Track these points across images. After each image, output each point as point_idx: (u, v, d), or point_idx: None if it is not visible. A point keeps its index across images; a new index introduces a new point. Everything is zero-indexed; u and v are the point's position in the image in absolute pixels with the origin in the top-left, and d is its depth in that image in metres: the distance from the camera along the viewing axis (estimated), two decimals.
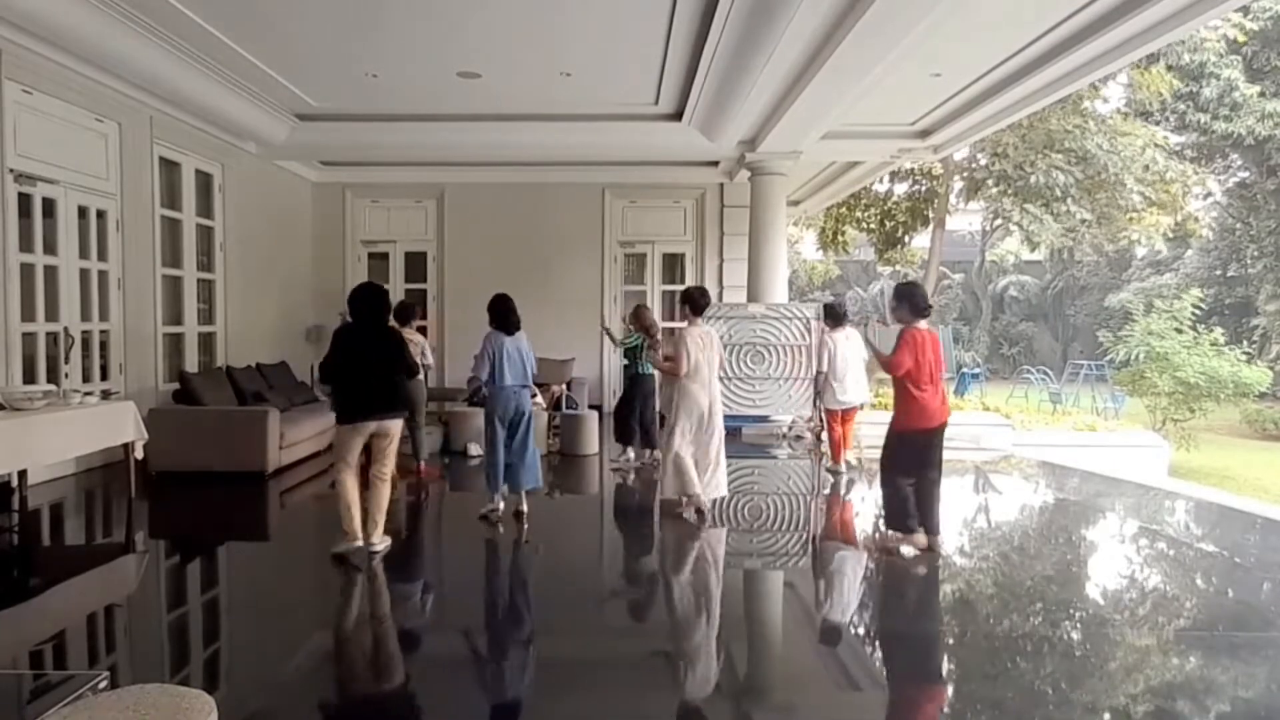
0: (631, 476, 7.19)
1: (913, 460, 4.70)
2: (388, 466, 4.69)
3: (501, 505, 5.48)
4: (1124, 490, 7.14)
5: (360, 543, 4.54)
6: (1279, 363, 18.06)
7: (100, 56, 6.54)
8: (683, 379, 5.41)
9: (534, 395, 8.72)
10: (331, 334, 4.64)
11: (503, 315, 5.40)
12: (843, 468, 7.12)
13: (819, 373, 6.99)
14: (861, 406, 7.27)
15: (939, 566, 4.65)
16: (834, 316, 7.13)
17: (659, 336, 7.17)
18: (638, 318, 7.29)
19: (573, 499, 6.92)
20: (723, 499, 5.76)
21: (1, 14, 5.65)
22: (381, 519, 4.67)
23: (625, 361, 7.64)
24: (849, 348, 6.96)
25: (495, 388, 5.33)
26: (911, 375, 4.57)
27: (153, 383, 7.82)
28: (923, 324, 4.71)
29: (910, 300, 4.72)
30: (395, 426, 4.67)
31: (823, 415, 8.91)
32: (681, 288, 11.64)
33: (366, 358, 4.53)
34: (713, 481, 5.54)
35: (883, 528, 5.00)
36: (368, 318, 4.60)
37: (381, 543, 4.67)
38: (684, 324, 5.63)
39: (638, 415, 7.37)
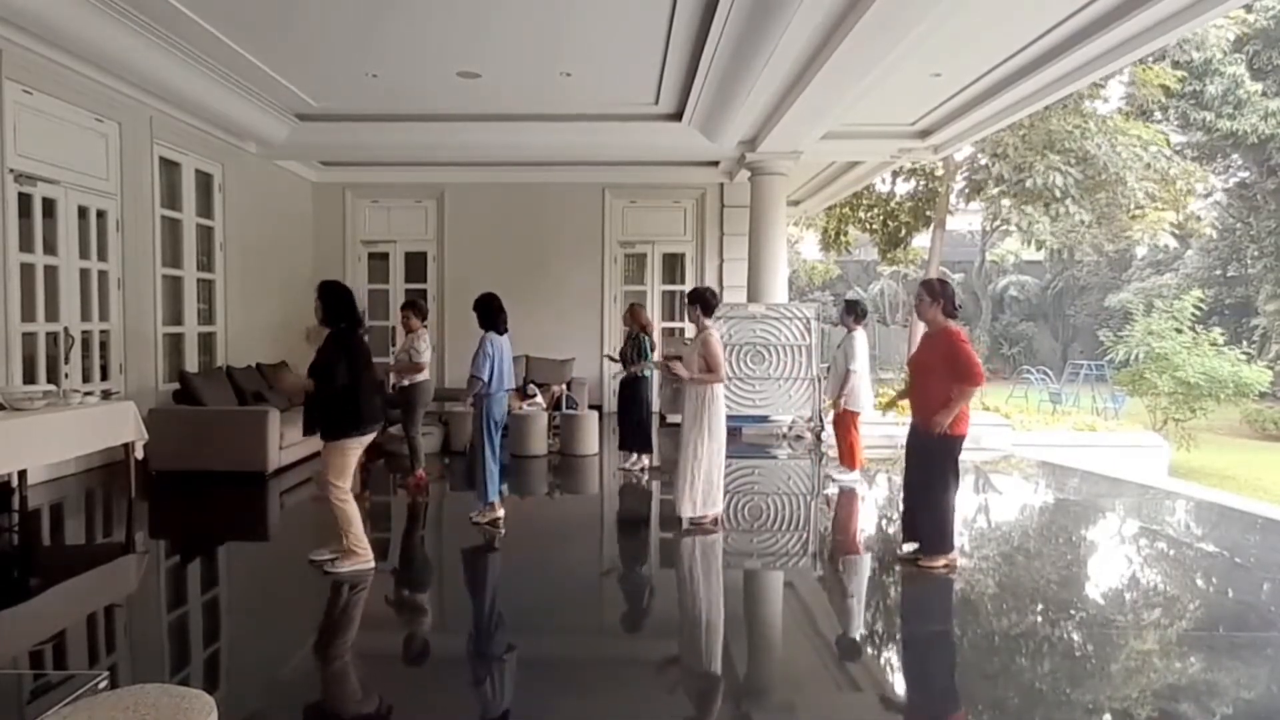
0: (646, 479, 7.10)
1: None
2: None
3: (502, 511, 5.43)
4: (1124, 490, 7.14)
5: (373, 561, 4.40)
6: (1279, 362, 18.06)
7: (100, 56, 6.54)
8: (714, 385, 5.22)
9: (533, 395, 8.77)
10: (330, 338, 4.27)
11: (495, 315, 5.31)
12: (859, 476, 6.82)
13: (849, 371, 6.58)
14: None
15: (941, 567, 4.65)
16: (856, 315, 6.83)
17: (654, 336, 7.13)
18: (634, 316, 7.25)
19: (574, 499, 6.92)
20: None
21: (1, 14, 5.65)
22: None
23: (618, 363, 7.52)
24: (866, 348, 6.80)
25: (493, 391, 5.26)
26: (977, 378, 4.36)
27: (153, 383, 7.82)
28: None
29: (948, 297, 4.45)
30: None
31: (821, 418, 8.88)
32: (682, 288, 11.80)
33: (365, 362, 4.35)
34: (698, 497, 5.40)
35: (926, 549, 4.56)
36: (355, 319, 4.37)
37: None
38: (693, 325, 5.50)
39: (642, 418, 7.31)
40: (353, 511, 4.33)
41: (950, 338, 4.37)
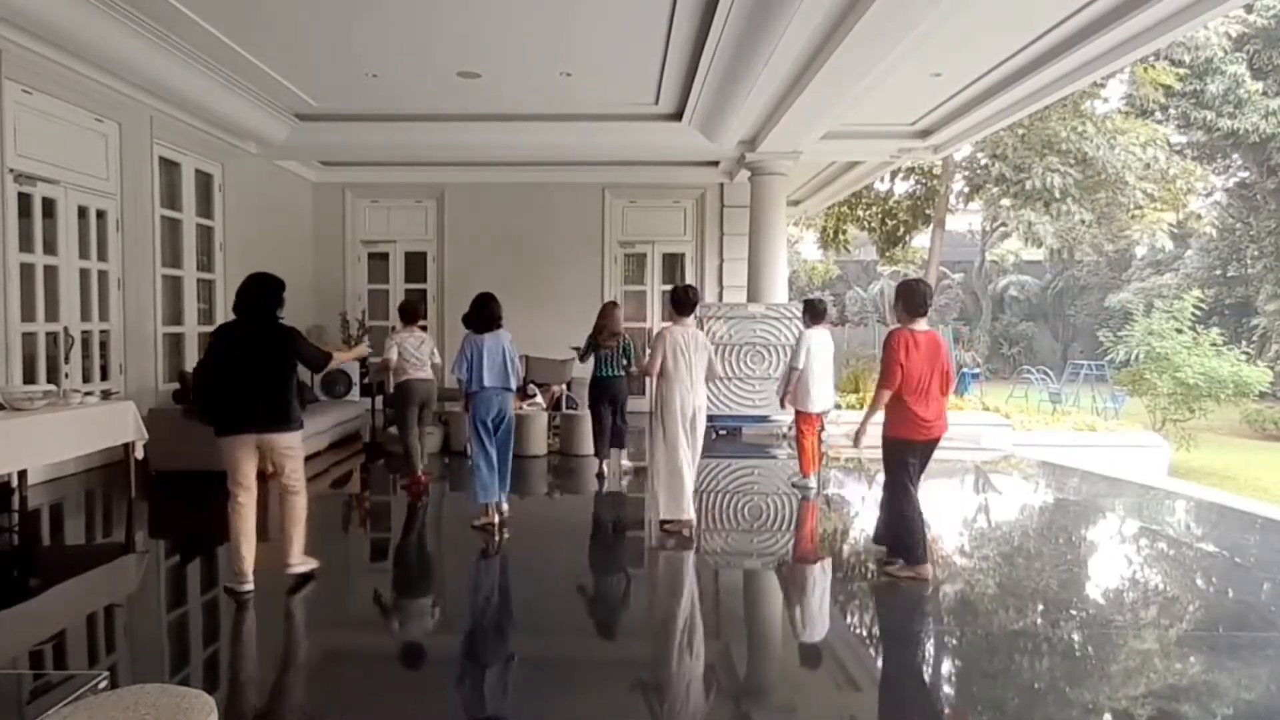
0: (613, 481, 6.96)
1: (908, 472, 4.33)
2: (294, 479, 4.17)
3: (496, 516, 5.30)
4: (1124, 490, 7.14)
5: (250, 586, 3.97)
6: (1279, 362, 18.05)
7: (100, 56, 6.54)
8: (660, 382, 5.16)
9: (533, 395, 8.74)
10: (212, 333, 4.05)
11: (472, 314, 5.24)
12: (812, 482, 6.51)
13: (791, 369, 6.43)
14: (826, 413, 6.62)
15: (940, 567, 4.64)
16: (812, 313, 6.55)
17: (606, 339, 6.76)
18: (600, 315, 6.99)
19: (572, 499, 6.92)
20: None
21: (1, 14, 5.65)
22: (297, 536, 4.20)
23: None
24: (822, 348, 6.38)
25: (476, 390, 5.19)
26: (903, 381, 4.25)
27: (153, 383, 7.82)
28: (922, 324, 4.31)
29: (904, 298, 4.35)
30: (283, 440, 4.06)
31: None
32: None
33: (243, 359, 3.96)
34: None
35: (882, 548, 4.59)
36: (247, 313, 4.02)
37: (302, 564, 4.19)
38: (668, 323, 5.36)
39: (608, 421, 7.01)
40: (235, 521, 4.01)
41: (890, 337, 4.36)
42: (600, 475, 7.03)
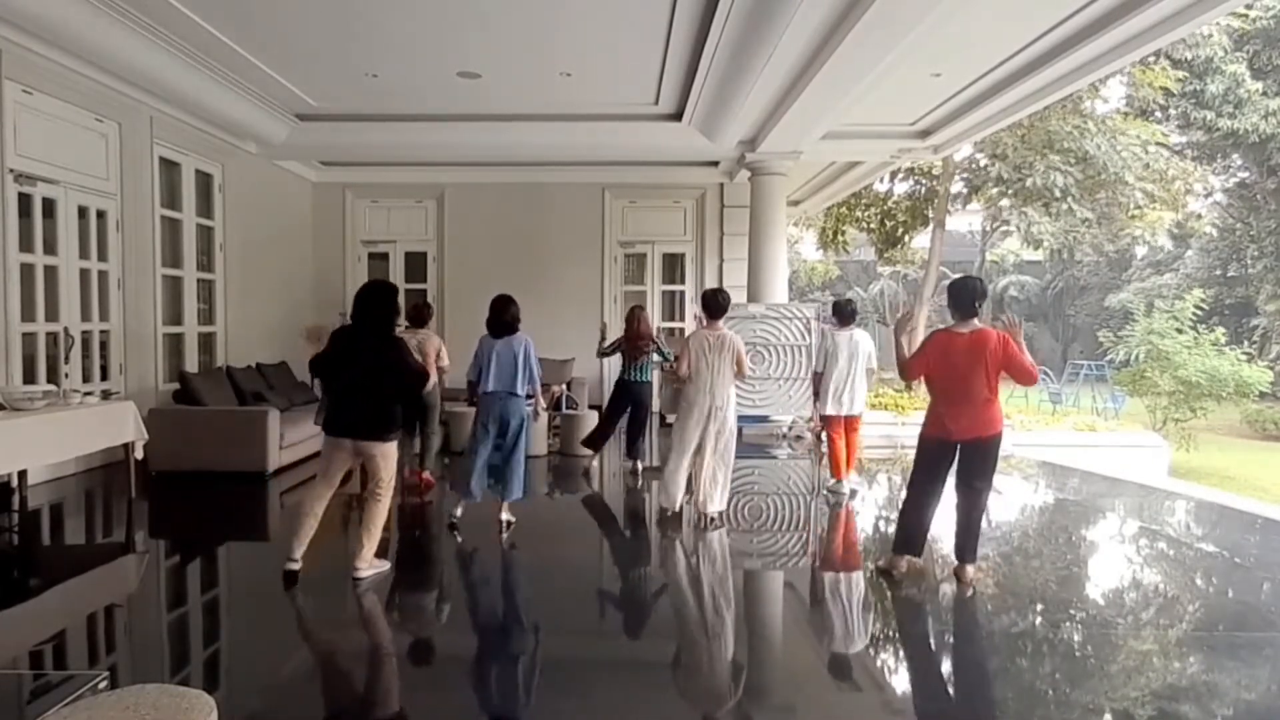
0: (640, 483, 7.00)
1: (928, 470, 4.34)
2: (382, 485, 4.24)
3: (460, 511, 5.26)
4: (1124, 490, 7.14)
5: (296, 565, 4.14)
6: (1279, 363, 18.06)
7: (100, 57, 6.54)
8: (684, 387, 5.45)
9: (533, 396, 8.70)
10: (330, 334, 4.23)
11: (490, 317, 5.27)
12: (845, 486, 6.43)
13: (815, 373, 6.50)
14: (858, 416, 6.54)
15: (939, 567, 4.65)
16: (840, 315, 6.52)
17: (635, 343, 6.82)
18: (627, 321, 7.07)
19: (572, 499, 6.92)
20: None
21: (1, 14, 5.65)
22: (368, 541, 4.22)
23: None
24: (854, 350, 6.36)
25: (482, 392, 5.22)
26: (927, 381, 4.28)
27: (153, 383, 7.82)
28: (973, 324, 4.16)
29: (950, 298, 4.27)
30: (377, 448, 4.16)
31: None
32: (682, 288, 11.84)
33: (354, 366, 4.09)
34: (709, 495, 5.44)
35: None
36: (365, 320, 4.13)
37: (369, 568, 4.24)
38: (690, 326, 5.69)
39: (630, 422, 7.10)
40: (305, 497, 4.20)
41: (928, 337, 4.48)
42: (635, 472, 7.13)
